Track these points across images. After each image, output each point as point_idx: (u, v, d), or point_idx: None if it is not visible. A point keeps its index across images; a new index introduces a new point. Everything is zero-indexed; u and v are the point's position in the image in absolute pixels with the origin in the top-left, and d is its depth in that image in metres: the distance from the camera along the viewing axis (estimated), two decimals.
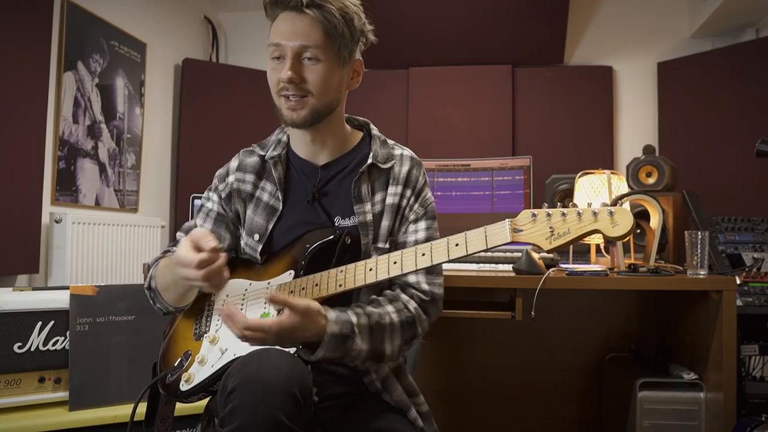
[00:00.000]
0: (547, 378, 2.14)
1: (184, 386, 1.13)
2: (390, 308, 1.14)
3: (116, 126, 3.45)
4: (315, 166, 1.26)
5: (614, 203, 0.96)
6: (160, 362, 1.22)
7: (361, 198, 1.21)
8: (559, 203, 0.99)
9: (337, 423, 1.15)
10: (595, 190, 1.99)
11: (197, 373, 1.13)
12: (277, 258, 1.20)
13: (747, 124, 3.51)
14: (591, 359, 2.12)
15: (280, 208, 1.24)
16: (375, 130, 1.31)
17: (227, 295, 1.22)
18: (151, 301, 1.25)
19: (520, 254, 1.75)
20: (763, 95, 3.46)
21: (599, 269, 1.74)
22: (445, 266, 1.78)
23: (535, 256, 1.73)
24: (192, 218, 1.37)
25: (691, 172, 3.42)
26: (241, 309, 1.18)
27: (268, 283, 1.17)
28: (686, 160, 3.51)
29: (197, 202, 2.32)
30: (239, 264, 1.25)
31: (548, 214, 0.98)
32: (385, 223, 1.21)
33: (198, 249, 1.05)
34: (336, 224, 1.21)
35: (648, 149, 2.52)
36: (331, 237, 1.16)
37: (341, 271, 1.11)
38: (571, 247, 2.05)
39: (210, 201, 1.31)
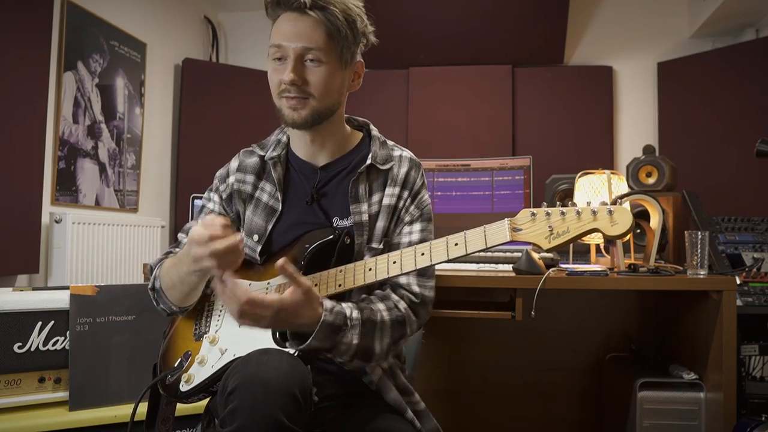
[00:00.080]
0: (547, 378, 2.14)
1: (184, 387, 1.13)
2: (381, 306, 1.14)
3: (116, 126, 3.45)
4: (314, 167, 1.26)
5: (614, 203, 0.96)
6: (160, 363, 1.22)
7: (358, 198, 1.21)
8: (558, 203, 0.99)
9: (337, 423, 1.15)
10: (595, 190, 1.99)
11: (197, 374, 1.13)
12: (276, 258, 1.19)
13: (747, 124, 3.51)
14: (591, 359, 2.12)
15: (280, 208, 1.24)
16: (375, 131, 1.31)
17: None
18: (155, 302, 1.24)
19: (520, 254, 1.75)
20: (763, 95, 3.46)
21: (599, 269, 1.74)
22: (445, 266, 1.79)
23: (535, 256, 1.73)
24: (192, 219, 1.37)
25: (691, 172, 3.42)
26: None
27: (268, 284, 1.17)
28: (686, 160, 3.51)
29: (197, 202, 2.32)
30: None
31: (547, 213, 0.98)
32: (381, 224, 1.21)
33: None
34: (334, 225, 1.21)
35: (648, 149, 2.52)
36: (331, 237, 1.16)
37: (340, 271, 1.11)
38: (571, 247, 2.05)
39: (211, 201, 1.31)
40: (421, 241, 1.19)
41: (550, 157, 3.55)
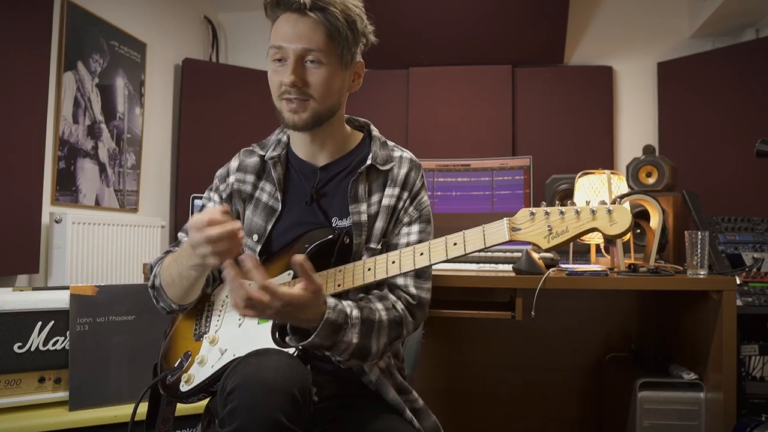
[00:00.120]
0: (547, 378, 2.14)
1: (184, 387, 1.13)
2: (379, 306, 1.13)
3: (116, 126, 3.45)
4: (314, 167, 1.26)
5: (614, 203, 0.96)
6: (160, 363, 1.22)
7: (357, 198, 1.21)
8: (558, 203, 0.99)
9: (337, 423, 1.15)
10: (595, 190, 1.99)
11: (197, 374, 1.13)
12: (275, 258, 1.20)
13: (747, 124, 3.51)
14: (591, 359, 2.12)
15: (279, 208, 1.24)
16: (375, 132, 1.31)
17: (226, 296, 1.22)
18: (154, 300, 1.24)
19: (520, 254, 1.75)
20: (763, 95, 3.46)
21: (599, 269, 1.74)
22: (445, 266, 1.79)
23: (535, 256, 1.73)
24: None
25: (691, 172, 3.42)
26: None
27: None
28: (686, 160, 3.51)
29: (197, 202, 2.32)
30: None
31: (546, 213, 0.97)
32: (379, 224, 1.21)
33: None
34: (333, 225, 1.21)
35: (648, 149, 2.52)
36: (330, 237, 1.16)
37: (340, 271, 1.11)
38: (571, 247, 2.05)
39: (211, 201, 1.31)
40: (419, 242, 1.19)
41: (550, 157, 3.55)
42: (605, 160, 3.89)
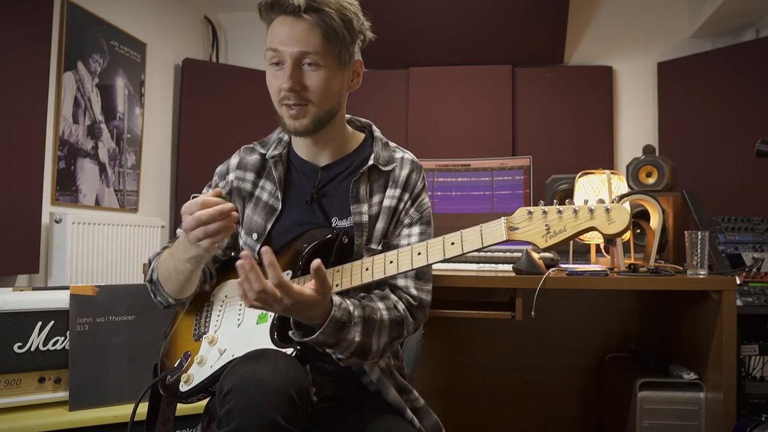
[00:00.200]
0: (547, 378, 2.14)
1: (183, 387, 1.13)
2: (381, 305, 1.13)
3: (116, 126, 3.45)
4: (315, 167, 1.26)
5: (613, 203, 0.96)
6: (160, 363, 1.22)
7: (358, 198, 1.21)
8: (556, 202, 0.99)
9: (336, 424, 1.15)
10: (595, 190, 2.00)
11: (196, 374, 1.13)
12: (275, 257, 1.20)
13: (747, 124, 3.51)
14: (591, 359, 2.12)
15: (279, 207, 1.24)
16: (377, 132, 1.30)
17: (226, 296, 1.23)
18: (152, 294, 1.24)
19: (520, 254, 1.75)
20: (763, 95, 3.46)
21: (599, 269, 1.74)
22: (445, 266, 1.79)
23: (535, 256, 1.73)
24: None
25: (691, 172, 3.42)
26: (240, 308, 1.18)
27: None
28: (686, 160, 3.51)
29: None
30: None
31: (544, 212, 0.97)
32: (380, 225, 1.21)
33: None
34: (333, 225, 1.21)
35: (648, 149, 2.52)
36: (329, 237, 1.16)
37: (338, 271, 1.11)
38: (571, 246, 2.05)
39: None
40: None
41: (550, 157, 3.55)
42: (605, 160, 3.89)
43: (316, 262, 0.97)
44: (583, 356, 2.13)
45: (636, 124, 4.07)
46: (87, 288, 1.68)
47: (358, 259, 1.15)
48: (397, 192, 1.23)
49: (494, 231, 0.99)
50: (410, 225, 1.23)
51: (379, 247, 1.19)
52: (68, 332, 1.64)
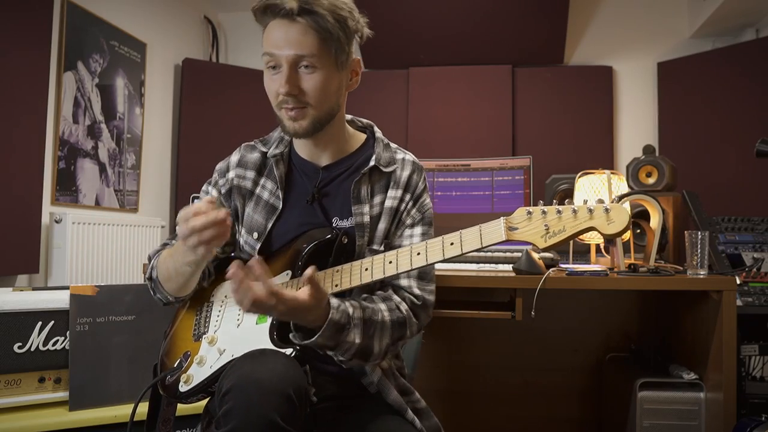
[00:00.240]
0: (547, 378, 2.14)
1: (183, 387, 1.13)
2: (383, 306, 1.13)
3: (116, 126, 3.45)
4: (317, 167, 1.25)
5: (613, 203, 0.95)
6: (160, 363, 1.22)
7: (360, 199, 1.20)
8: (556, 202, 0.99)
9: (337, 424, 1.15)
10: (595, 190, 1.99)
11: (196, 374, 1.13)
12: (274, 257, 1.20)
13: (747, 124, 3.51)
14: (591, 359, 2.12)
15: (280, 207, 1.24)
16: (379, 133, 1.30)
17: (225, 296, 1.23)
18: (152, 292, 1.25)
19: (520, 254, 1.75)
20: (763, 95, 3.46)
21: (599, 269, 1.74)
22: (445, 266, 1.79)
23: (535, 256, 1.73)
24: None
25: (691, 172, 3.42)
26: (239, 308, 1.18)
27: None
28: (686, 160, 3.51)
29: (197, 202, 2.32)
30: None
31: (543, 212, 0.97)
32: (382, 226, 1.21)
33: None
34: (334, 225, 1.21)
35: (648, 149, 2.52)
36: (328, 236, 1.16)
37: (337, 271, 1.11)
38: (571, 246, 2.05)
39: (208, 195, 1.31)
40: None
41: (550, 157, 3.55)
42: (605, 160, 3.89)
43: (309, 270, 0.98)
44: (583, 356, 2.13)
45: (636, 124, 4.07)
46: (87, 288, 1.68)
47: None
48: (399, 193, 1.23)
49: (493, 231, 0.99)
50: (412, 226, 1.23)
51: (381, 248, 1.19)
52: (68, 332, 1.64)
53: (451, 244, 1.02)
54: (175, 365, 1.17)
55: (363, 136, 1.30)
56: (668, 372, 1.79)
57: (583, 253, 2.15)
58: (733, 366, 1.58)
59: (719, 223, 2.23)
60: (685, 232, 1.72)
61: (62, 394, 1.62)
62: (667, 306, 2.02)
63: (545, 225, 0.96)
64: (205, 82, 4.11)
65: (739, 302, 1.91)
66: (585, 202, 0.96)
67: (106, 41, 3.33)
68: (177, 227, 1.04)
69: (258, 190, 1.27)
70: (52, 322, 1.63)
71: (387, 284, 1.20)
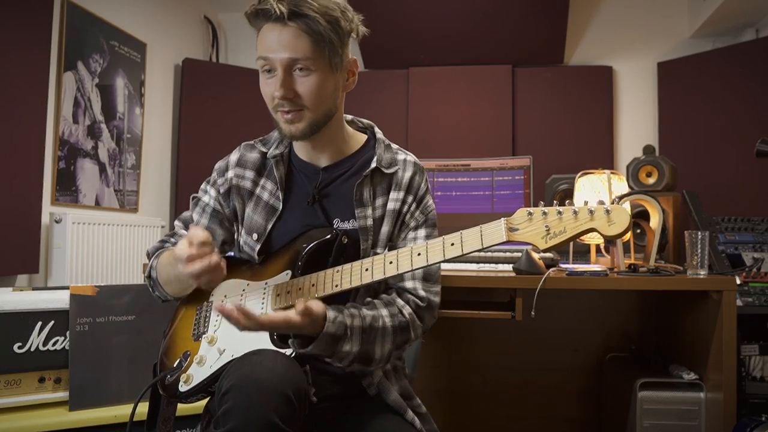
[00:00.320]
0: (547, 378, 2.14)
1: (183, 387, 1.13)
2: (384, 312, 1.13)
3: (116, 126, 3.45)
4: (316, 168, 1.25)
5: (614, 203, 0.95)
6: (159, 363, 1.22)
7: (362, 202, 1.20)
8: (556, 203, 0.98)
9: (337, 424, 1.15)
10: (595, 190, 1.99)
11: (196, 374, 1.13)
12: (274, 258, 1.20)
13: (747, 124, 3.51)
14: (591, 359, 2.12)
15: (280, 207, 1.24)
16: (380, 134, 1.29)
17: (225, 295, 1.22)
18: (150, 289, 1.27)
19: (520, 254, 1.75)
20: (763, 95, 3.46)
21: (599, 269, 1.74)
22: (445, 266, 1.79)
23: (535, 256, 1.73)
24: (191, 210, 1.36)
25: (691, 172, 3.42)
26: None
27: (266, 284, 1.17)
28: (686, 160, 3.51)
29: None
30: (237, 264, 1.25)
31: (544, 213, 0.97)
32: (385, 229, 1.21)
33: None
34: (335, 226, 1.21)
35: (648, 149, 2.52)
36: (328, 237, 1.16)
37: (337, 272, 1.11)
38: (571, 247, 2.05)
39: (207, 195, 1.31)
40: None
41: (550, 157, 3.55)
42: (605, 160, 3.89)
43: (299, 306, 0.99)
44: (583, 356, 2.13)
45: (636, 124, 4.07)
46: (87, 288, 1.68)
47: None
48: (401, 195, 1.22)
49: (494, 232, 0.99)
50: (416, 228, 1.23)
51: (385, 251, 1.19)
52: (68, 332, 1.64)
53: (452, 244, 1.02)
54: (175, 365, 1.17)
55: (363, 137, 1.30)
56: (668, 372, 1.79)
57: (583, 253, 2.15)
58: (733, 366, 1.59)
59: (719, 223, 2.23)
60: (685, 232, 1.72)
61: (62, 394, 1.62)
62: (667, 306, 2.02)
63: (546, 226, 0.96)
64: (205, 82, 4.11)
65: (739, 302, 1.91)
66: (586, 203, 0.96)
67: (106, 41, 3.33)
68: (177, 264, 1.05)
69: (258, 190, 1.27)
70: (52, 322, 1.63)
71: (392, 286, 1.20)
